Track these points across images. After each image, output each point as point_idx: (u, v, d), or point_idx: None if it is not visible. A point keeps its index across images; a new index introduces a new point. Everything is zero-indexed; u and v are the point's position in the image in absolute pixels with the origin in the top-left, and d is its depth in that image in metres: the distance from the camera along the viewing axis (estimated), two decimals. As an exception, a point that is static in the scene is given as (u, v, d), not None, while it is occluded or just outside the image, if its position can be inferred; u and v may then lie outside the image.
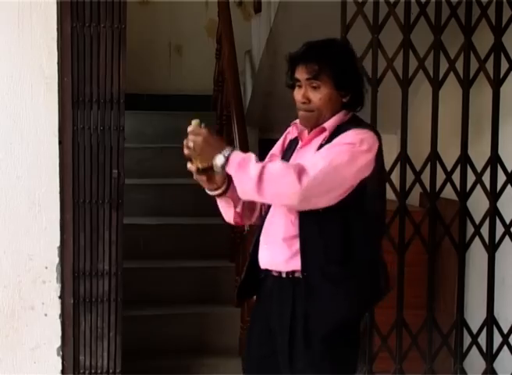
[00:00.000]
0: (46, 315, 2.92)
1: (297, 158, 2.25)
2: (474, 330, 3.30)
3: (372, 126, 2.32)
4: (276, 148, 2.45)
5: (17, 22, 2.83)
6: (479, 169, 3.24)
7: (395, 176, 3.19)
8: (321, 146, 2.19)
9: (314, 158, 2.14)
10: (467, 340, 3.32)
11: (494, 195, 3.25)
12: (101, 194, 2.91)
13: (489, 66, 3.21)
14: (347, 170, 2.12)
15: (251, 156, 2.13)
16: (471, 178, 3.25)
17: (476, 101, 3.27)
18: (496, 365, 3.32)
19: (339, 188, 2.12)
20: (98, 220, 2.92)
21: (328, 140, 2.19)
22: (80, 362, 2.96)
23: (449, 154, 3.28)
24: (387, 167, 3.15)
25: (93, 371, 2.97)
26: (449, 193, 3.28)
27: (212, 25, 5.23)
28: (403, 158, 3.20)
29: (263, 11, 4.36)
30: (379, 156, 2.21)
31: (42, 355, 2.94)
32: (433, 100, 3.20)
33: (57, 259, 2.91)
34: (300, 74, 2.22)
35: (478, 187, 3.24)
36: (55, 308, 2.92)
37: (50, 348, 2.94)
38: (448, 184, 3.24)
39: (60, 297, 2.93)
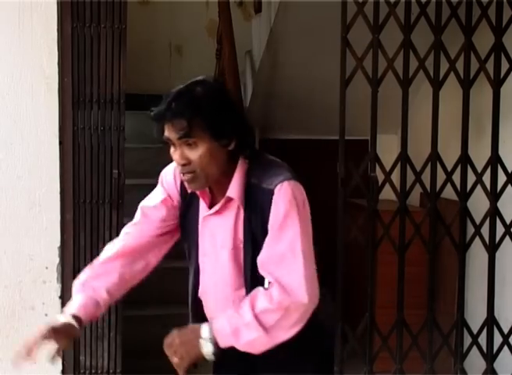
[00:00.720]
0: (46, 315, 2.92)
1: (208, 227, 2.04)
2: (475, 330, 3.30)
3: (282, 168, 1.98)
4: (162, 196, 2.21)
5: (18, 22, 2.83)
6: (479, 170, 3.24)
7: (395, 177, 3.19)
8: (249, 217, 1.94)
9: (282, 262, 1.89)
10: (468, 340, 3.31)
11: (494, 195, 3.25)
12: (102, 194, 2.91)
13: (490, 66, 3.21)
14: (308, 246, 1.92)
15: (232, 317, 1.91)
16: (471, 178, 3.25)
17: (476, 101, 3.27)
18: (497, 365, 3.32)
19: (313, 259, 1.95)
20: (99, 220, 2.93)
21: (249, 205, 1.94)
22: (80, 362, 2.96)
23: (450, 154, 3.28)
24: (387, 167, 3.17)
25: (93, 371, 2.97)
26: (449, 193, 3.28)
27: (213, 25, 5.24)
28: (404, 159, 3.20)
29: (263, 11, 4.36)
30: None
31: (42, 355, 2.94)
32: (433, 100, 3.20)
33: (57, 259, 2.91)
34: (170, 134, 1.91)
35: (479, 187, 3.24)
36: (55, 308, 2.92)
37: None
38: (448, 184, 3.24)
39: (60, 297, 2.93)
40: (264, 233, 1.92)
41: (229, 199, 1.97)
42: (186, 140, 1.90)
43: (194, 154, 1.91)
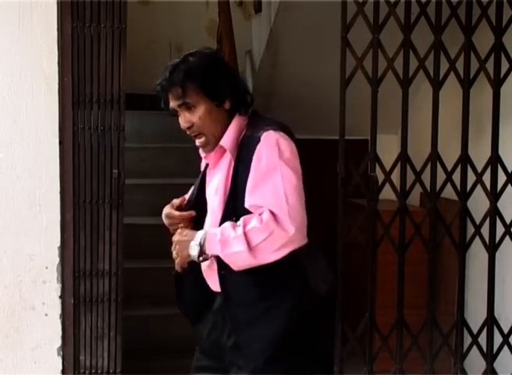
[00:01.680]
0: (46, 315, 2.92)
1: (210, 180, 2.25)
2: (475, 330, 3.29)
3: (275, 122, 2.20)
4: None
5: (18, 22, 2.83)
6: (479, 169, 3.24)
7: (395, 176, 3.19)
8: (237, 167, 2.12)
9: (264, 196, 2.06)
10: (468, 340, 3.31)
11: (494, 195, 3.25)
12: (102, 194, 2.91)
13: (490, 65, 3.21)
14: (295, 181, 2.07)
15: (226, 229, 2.06)
16: (471, 178, 3.25)
17: (476, 101, 3.27)
18: (497, 365, 3.32)
19: (302, 203, 2.07)
20: (99, 220, 2.92)
21: (239, 156, 2.13)
22: (80, 362, 2.96)
23: (450, 154, 3.28)
24: (387, 167, 3.17)
25: (93, 371, 2.97)
26: (449, 193, 3.28)
27: (213, 25, 5.24)
28: (404, 159, 3.20)
29: (263, 11, 4.36)
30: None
31: (42, 355, 2.94)
32: (433, 100, 3.20)
33: (57, 259, 2.91)
34: (172, 103, 2.18)
35: (479, 187, 3.24)
36: (55, 308, 2.92)
37: (50, 348, 2.94)
38: (448, 184, 3.24)
39: (60, 297, 2.93)
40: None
41: (223, 150, 2.16)
42: (184, 105, 2.14)
43: (195, 116, 2.14)
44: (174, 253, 2.21)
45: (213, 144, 2.18)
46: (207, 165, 2.31)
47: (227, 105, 2.17)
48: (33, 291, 2.91)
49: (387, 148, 3.70)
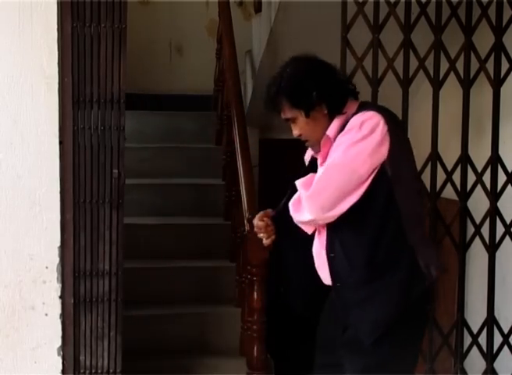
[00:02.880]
0: (46, 315, 2.92)
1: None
2: (475, 330, 3.30)
3: (380, 107, 2.25)
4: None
5: (18, 22, 2.83)
6: (480, 169, 3.25)
7: (395, 176, 3.18)
8: None
9: (317, 179, 2.19)
10: (468, 340, 3.32)
11: (494, 195, 3.25)
12: (102, 193, 2.91)
13: (490, 65, 3.21)
14: (353, 161, 2.10)
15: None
16: (471, 178, 3.25)
17: (476, 101, 3.28)
18: (497, 365, 3.32)
19: (351, 182, 2.11)
20: (99, 220, 2.92)
21: None
22: (80, 362, 2.96)
23: (450, 154, 3.28)
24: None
25: (93, 371, 2.97)
26: (449, 193, 3.28)
27: (213, 25, 5.23)
28: (404, 158, 3.20)
29: (263, 11, 4.36)
30: (395, 137, 2.13)
31: (42, 354, 2.94)
32: (433, 100, 3.20)
33: (57, 259, 2.91)
34: (282, 117, 2.28)
35: (479, 187, 3.24)
36: (55, 308, 2.92)
37: (50, 347, 2.94)
38: (448, 184, 3.24)
39: (60, 297, 2.93)
40: None
41: (328, 140, 2.21)
42: (289, 119, 2.25)
43: (298, 127, 2.25)
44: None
45: (317, 146, 2.26)
46: (314, 162, 2.36)
47: (324, 111, 2.21)
48: (33, 290, 2.91)
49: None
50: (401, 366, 2.22)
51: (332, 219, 2.17)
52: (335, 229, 2.20)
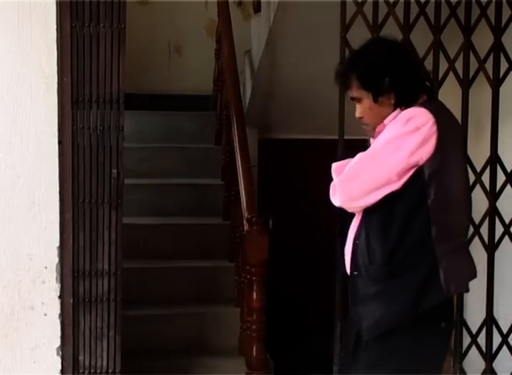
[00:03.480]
0: (46, 315, 2.92)
1: None
2: (474, 330, 3.30)
3: (438, 107, 2.17)
4: None
5: (17, 22, 2.83)
6: (479, 169, 3.25)
7: (394, 176, 3.18)
8: None
9: (351, 165, 2.18)
10: (467, 339, 3.32)
11: (493, 195, 3.25)
12: (101, 193, 2.91)
13: (489, 65, 3.22)
14: (388, 157, 2.06)
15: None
16: (470, 178, 3.25)
17: (476, 101, 3.28)
18: (496, 364, 3.32)
19: (381, 178, 2.07)
20: (98, 220, 2.92)
21: None
22: (79, 362, 2.96)
23: (449, 154, 3.28)
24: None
25: (92, 371, 2.97)
26: (448, 193, 3.27)
27: (212, 25, 5.23)
28: (403, 158, 3.20)
29: (262, 11, 4.36)
30: (443, 141, 2.04)
31: (42, 354, 2.94)
32: (433, 100, 3.20)
33: (56, 259, 2.91)
34: (349, 94, 2.24)
35: (478, 186, 3.24)
36: (54, 308, 2.92)
37: (49, 347, 2.94)
38: (447, 184, 3.24)
39: (60, 297, 2.93)
40: None
41: (383, 127, 2.16)
42: (354, 98, 2.19)
43: (360, 109, 2.20)
44: None
45: (372, 131, 2.22)
46: None
47: (392, 100, 2.14)
48: (32, 290, 2.91)
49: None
50: None
51: (357, 210, 2.16)
52: (367, 219, 2.15)
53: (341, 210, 2.24)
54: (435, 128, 2.04)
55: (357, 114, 2.21)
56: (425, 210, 2.07)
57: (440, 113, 2.10)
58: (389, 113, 2.15)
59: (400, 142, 2.05)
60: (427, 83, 2.27)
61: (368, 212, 2.14)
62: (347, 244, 2.24)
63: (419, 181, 2.05)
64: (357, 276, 2.18)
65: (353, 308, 2.23)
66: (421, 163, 2.05)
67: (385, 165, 2.06)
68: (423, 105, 2.11)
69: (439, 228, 2.08)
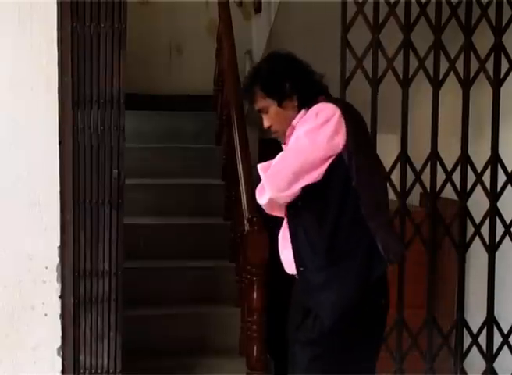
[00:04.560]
0: (46, 315, 2.92)
1: None
2: (475, 330, 3.30)
3: (338, 100, 2.40)
4: None
5: (17, 22, 2.83)
6: (479, 169, 3.25)
7: (395, 176, 3.19)
8: None
9: (276, 161, 2.32)
10: (468, 340, 3.32)
11: (494, 195, 3.25)
12: (102, 194, 2.91)
13: (489, 66, 3.22)
14: (308, 147, 2.22)
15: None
16: (471, 178, 3.25)
17: (476, 101, 3.28)
18: (496, 365, 3.32)
19: (305, 165, 2.23)
20: (99, 220, 2.92)
21: None
22: (80, 362, 2.96)
23: (450, 154, 3.28)
24: (387, 167, 3.17)
25: (93, 371, 2.97)
26: (449, 193, 3.28)
27: (212, 25, 5.23)
28: (404, 158, 3.20)
29: (263, 11, 4.37)
30: (352, 128, 2.24)
31: (42, 355, 2.94)
32: (433, 100, 3.20)
33: (57, 259, 2.91)
34: (255, 108, 2.39)
35: (479, 186, 3.25)
36: (55, 308, 2.92)
37: (50, 347, 2.93)
38: (448, 184, 3.24)
39: (60, 297, 2.93)
40: None
41: (292, 129, 2.33)
42: (260, 110, 2.37)
43: (269, 118, 2.36)
44: None
45: (284, 136, 2.38)
46: None
47: (295, 102, 2.33)
48: (33, 290, 2.91)
49: (387, 148, 3.70)
50: (349, 359, 2.29)
51: (287, 199, 2.30)
52: (298, 217, 2.32)
53: (267, 216, 2.48)
54: (342, 118, 2.23)
55: (266, 124, 2.37)
56: (353, 192, 2.24)
57: (346, 107, 2.31)
58: (295, 116, 2.33)
59: (316, 133, 2.23)
60: (322, 84, 2.43)
61: (299, 211, 2.31)
62: (282, 246, 2.41)
63: (342, 167, 2.23)
64: (305, 270, 2.33)
65: (307, 301, 2.34)
66: (337, 151, 2.22)
67: (305, 155, 2.23)
68: (328, 101, 2.30)
69: (368, 206, 2.26)
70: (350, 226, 2.27)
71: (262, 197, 2.37)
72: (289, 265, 2.39)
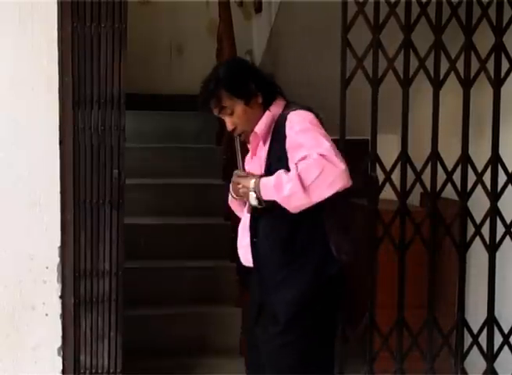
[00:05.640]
0: (47, 315, 2.92)
1: (251, 167, 2.45)
2: (475, 330, 3.30)
3: (304, 107, 2.43)
4: None
5: (18, 22, 2.83)
6: (480, 169, 3.24)
7: (395, 176, 3.19)
8: (271, 146, 2.37)
9: (307, 146, 2.24)
10: (468, 340, 3.32)
11: (495, 195, 3.25)
12: (102, 193, 2.91)
13: (490, 66, 3.21)
14: (320, 140, 2.26)
15: (279, 175, 2.26)
16: (471, 178, 3.25)
17: (477, 101, 3.27)
18: (497, 365, 3.32)
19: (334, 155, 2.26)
20: (99, 220, 2.92)
21: (273, 137, 2.37)
22: (80, 362, 2.96)
23: (450, 154, 3.28)
24: (387, 167, 3.17)
25: (93, 371, 2.97)
26: (449, 193, 3.28)
27: (213, 25, 5.23)
28: (404, 158, 3.20)
29: (264, 11, 4.37)
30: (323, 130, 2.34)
31: (43, 354, 2.94)
32: (434, 100, 3.20)
33: (58, 259, 2.91)
34: (215, 111, 2.41)
35: (479, 186, 3.24)
36: (55, 308, 2.92)
37: (50, 347, 2.94)
38: (449, 184, 3.24)
39: (61, 297, 2.93)
40: (285, 152, 2.30)
41: (255, 136, 2.39)
42: (224, 112, 2.38)
43: (235, 118, 2.38)
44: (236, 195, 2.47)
45: (249, 134, 2.42)
46: None
47: (259, 100, 2.38)
48: (33, 290, 2.91)
49: (387, 148, 3.70)
50: (310, 348, 2.35)
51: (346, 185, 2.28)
52: (260, 214, 2.36)
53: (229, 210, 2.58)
54: (318, 120, 2.35)
55: (230, 126, 2.40)
56: None
57: (312, 111, 2.38)
58: (260, 115, 2.38)
59: (313, 133, 2.27)
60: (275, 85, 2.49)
61: (261, 209, 2.33)
62: (241, 240, 2.47)
63: None
64: (262, 267, 2.38)
65: (265, 296, 2.39)
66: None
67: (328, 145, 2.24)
68: (296, 107, 2.36)
69: (323, 207, 2.28)
70: (308, 227, 2.33)
71: (281, 194, 2.26)
72: (245, 260, 2.46)
